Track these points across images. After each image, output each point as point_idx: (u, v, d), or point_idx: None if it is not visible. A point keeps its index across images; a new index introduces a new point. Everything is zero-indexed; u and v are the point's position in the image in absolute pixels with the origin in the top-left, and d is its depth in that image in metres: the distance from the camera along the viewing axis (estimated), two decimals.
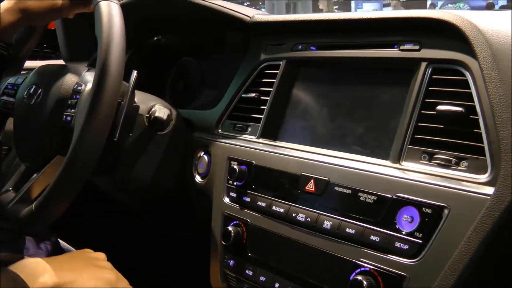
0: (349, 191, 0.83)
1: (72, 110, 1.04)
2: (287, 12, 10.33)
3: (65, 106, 1.05)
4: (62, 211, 0.98)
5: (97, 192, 1.38)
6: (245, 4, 7.15)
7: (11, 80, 1.30)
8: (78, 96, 1.05)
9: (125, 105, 1.02)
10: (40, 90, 1.17)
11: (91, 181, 1.22)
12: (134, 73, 1.03)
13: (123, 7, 0.98)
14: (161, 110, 1.08)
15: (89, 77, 1.07)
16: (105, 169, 1.13)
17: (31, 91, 1.19)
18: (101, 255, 0.97)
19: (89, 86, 1.04)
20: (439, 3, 8.70)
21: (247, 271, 0.96)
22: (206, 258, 1.11)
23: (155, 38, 1.58)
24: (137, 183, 1.17)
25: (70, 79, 1.08)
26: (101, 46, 0.92)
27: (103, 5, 0.96)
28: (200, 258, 1.17)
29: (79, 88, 1.06)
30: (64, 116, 1.04)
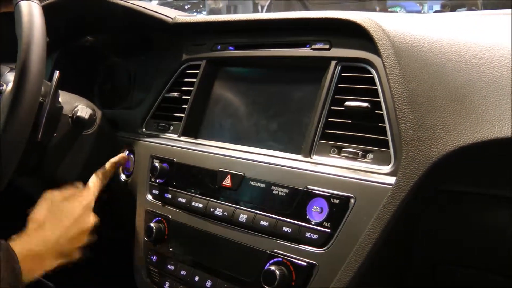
0: (263, 185, 0.87)
1: None
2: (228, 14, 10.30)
3: None
4: None
5: (24, 194, 1.36)
6: (186, 7, 7.09)
7: None
8: None
9: (47, 105, 1.02)
10: None
11: (16, 182, 1.22)
12: (56, 73, 1.03)
13: (48, 7, 0.98)
14: (84, 110, 1.09)
15: (11, 77, 1.06)
16: (29, 170, 1.13)
17: None
18: None
19: (10, 86, 1.04)
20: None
21: (168, 266, 0.98)
22: (130, 257, 1.12)
23: (83, 39, 1.57)
24: (62, 183, 1.16)
25: None
26: (21, 46, 0.92)
27: (23, 5, 0.95)
28: (125, 257, 1.18)
29: (1, 88, 1.06)
30: None
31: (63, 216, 0.95)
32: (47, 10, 0.96)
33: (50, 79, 1.03)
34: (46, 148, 1.10)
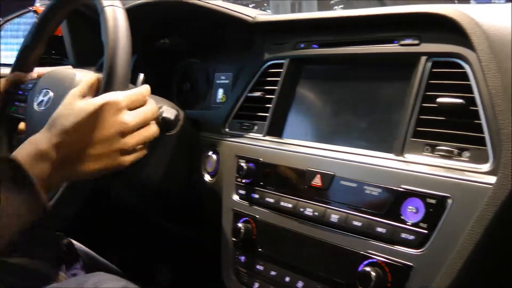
0: (354, 185, 0.85)
1: None
2: (292, 12, 10.34)
3: None
4: (73, 213, 1.01)
5: (107, 194, 1.40)
6: (250, 6, 7.15)
7: (21, 85, 1.33)
8: None
9: None
10: (50, 95, 1.20)
11: (100, 183, 1.25)
12: (141, 76, 1.06)
13: (129, 11, 1.00)
14: (169, 111, 1.10)
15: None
16: (114, 172, 1.16)
17: (42, 96, 1.22)
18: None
19: None
20: None
21: (257, 266, 0.98)
22: (216, 256, 1.13)
23: (161, 41, 1.60)
24: (146, 184, 1.19)
25: (79, 83, 1.11)
26: (108, 50, 0.95)
27: (109, 11, 0.98)
28: (211, 256, 1.19)
29: None
30: None
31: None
32: (128, 14, 0.99)
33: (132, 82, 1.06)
34: None
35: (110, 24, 0.97)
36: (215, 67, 1.44)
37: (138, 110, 0.91)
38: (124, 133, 0.88)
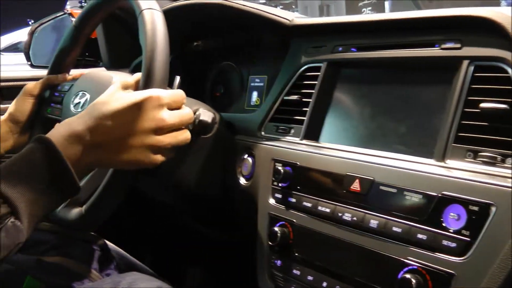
0: (394, 190, 0.84)
1: None
2: (321, 14, 10.34)
3: None
4: (110, 214, 1.02)
5: (141, 195, 1.41)
6: (279, 7, 7.18)
7: (57, 87, 1.35)
8: None
9: None
10: (87, 96, 1.21)
11: (135, 184, 1.26)
12: (178, 78, 1.06)
13: (165, 13, 1.00)
14: (206, 114, 1.10)
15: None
16: (149, 172, 1.16)
17: (78, 98, 1.24)
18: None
19: None
20: None
21: (294, 271, 0.97)
22: (251, 259, 1.13)
23: (194, 44, 1.61)
24: (181, 186, 1.19)
25: None
26: (146, 53, 0.95)
27: (147, 14, 0.99)
28: (244, 259, 1.19)
29: None
30: None
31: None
32: (164, 15, 0.99)
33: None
34: None
35: (148, 27, 0.97)
36: (249, 70, 1.44)
37: (177, 111, 0.90)
38: (160, 130, 0.87)
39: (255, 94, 1.40)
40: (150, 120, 0.86)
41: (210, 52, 1.59)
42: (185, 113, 0.92)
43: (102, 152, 0.85)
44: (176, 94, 0.91)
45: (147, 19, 0.98)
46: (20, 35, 7.52)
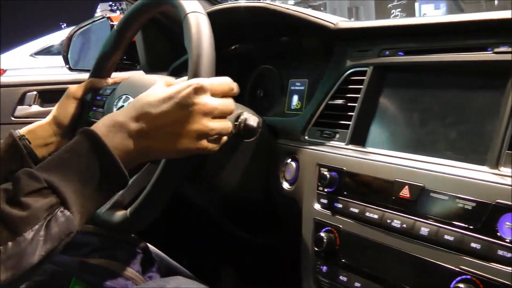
0: (446, 197, 0.82)
1: None
2: (350, 16, 10.32)
3: None
4: (154, 217, 1.02)
5: (181, 199, 1.41)
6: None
7: (99, 91, 1.36)
8: None
9: None
10: (130, 100, 1.22)
11: (179, 189, 1.26)
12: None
13: (208, 15, 1.00)
14: (251, 118, 1.10)
15: None
16: (191, 176, 1.16)
17: (122, 101, 1.24)
18: None
19: None
20: None
21: (341, 277, 0.96)
22: (291, 264, 1.12)
23: (232, 47, 1.60)
24: (223, 190, 1.19)
25: None
26: (192, 57, 0.95)
27: (192, 17, 0.99)
28: (285, 264, 1.18)
29: None
30: None
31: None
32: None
33: None
34: (208, 155, 1.13)
35: (194, 31, 0.97)
36: (289, 73, 1.43)
37: (220, 99, 0.90)
38: (205, 114, 0.87)
39: (295, 98, 1.39)
40: (195, 105, 0.85)
41: (248, 55, 1.58)
42: (228, 102, 0.91)
43: (149, 141, 0.85)
44: (219, 81, 0.92)
45: (192, 22, 0.98)
46: (52, 38, 7.64)
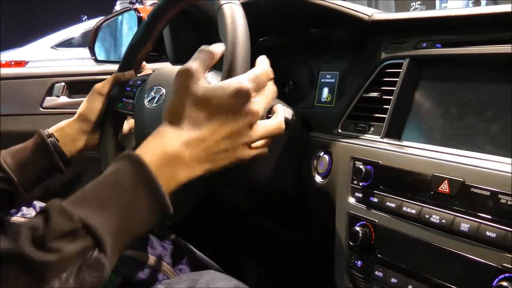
0: (487, 193, 0.80)
1: None
2: None
3: None
4: (188, 210, 1.02)
5: (210, 193, 1.41)
6: None
7: (129, 82, 1.35)
8: None
9: None
10: (162, 91, 1.21)
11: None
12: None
13: (242, 6, 0.99)
14: (286, 111, 1.08)
15: (212, 78, 1.08)
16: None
17: (153, 92, 1.23)
18: None
19: None
20: None
21: (376, 272, 0.94)
22: (325, 259, 1.10)
23: (260, 39, 1.59)
24: (255, 184, 1.18)
25: None
26: (228, 48, 0.94)
27: (226, 8, 0.98)
28: (317, 259, 1.17)
29: None
30: None
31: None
32: None
33: None
34: None
35: (229, 21, 0.96)
36: (319, 65, 1.41)
37: (263, 97, 0.83)
38: (252, 124, 0.81)
39: (325, 91, 1.37)
40: (244, 116, 0.80)
41: (276, 47, 1.56)
42: (270, 93, 0.86)
43: (199, 165, 0.78)
44: (259, 73, 0.84)
45: (227, 13, 0.97)
46: (73, 30, 7.68)
